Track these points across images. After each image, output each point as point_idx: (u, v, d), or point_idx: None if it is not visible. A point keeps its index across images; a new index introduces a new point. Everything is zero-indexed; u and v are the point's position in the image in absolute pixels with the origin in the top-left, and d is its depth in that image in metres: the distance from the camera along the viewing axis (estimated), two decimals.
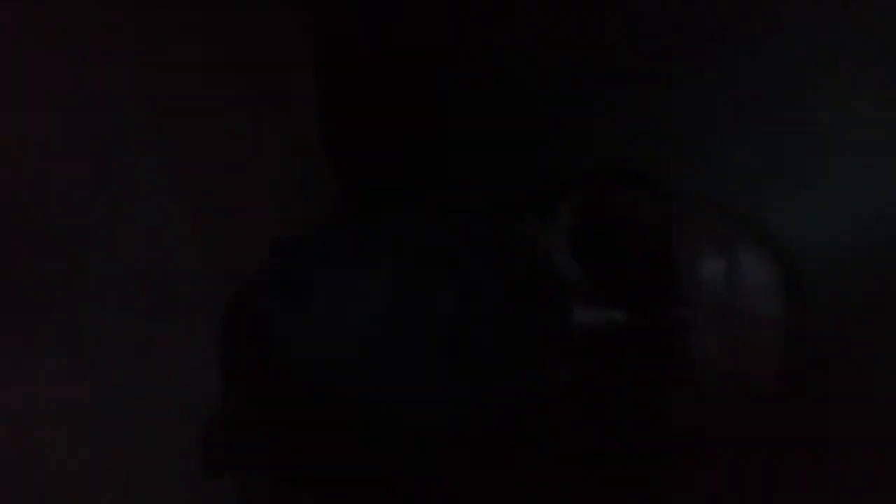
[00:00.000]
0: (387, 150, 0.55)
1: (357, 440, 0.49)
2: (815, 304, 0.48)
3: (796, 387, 0.46)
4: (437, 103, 0.56)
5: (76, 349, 0.45)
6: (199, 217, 0.50)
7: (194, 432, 0.47)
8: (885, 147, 0.57)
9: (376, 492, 0.50)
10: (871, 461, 0.55)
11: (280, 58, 0.54)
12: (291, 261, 0.48)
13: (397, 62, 0.55)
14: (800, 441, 0.54)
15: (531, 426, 0.43)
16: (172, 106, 0.49)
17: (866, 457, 0.55)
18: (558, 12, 0.56)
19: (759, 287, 0.44)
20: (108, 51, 0.47)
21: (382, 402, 0.46)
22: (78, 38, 0.46)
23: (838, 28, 0.57)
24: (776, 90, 0.57)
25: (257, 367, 0.48)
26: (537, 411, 0.42)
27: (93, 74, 0.46)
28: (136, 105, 0.48)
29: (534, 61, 0.56)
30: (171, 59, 0.50)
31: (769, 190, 0.58)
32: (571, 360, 0.42)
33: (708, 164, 0.57)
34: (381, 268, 0.43)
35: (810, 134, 0.58)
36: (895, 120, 0.57)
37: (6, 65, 0.44)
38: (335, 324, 0.44)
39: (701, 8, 0.56)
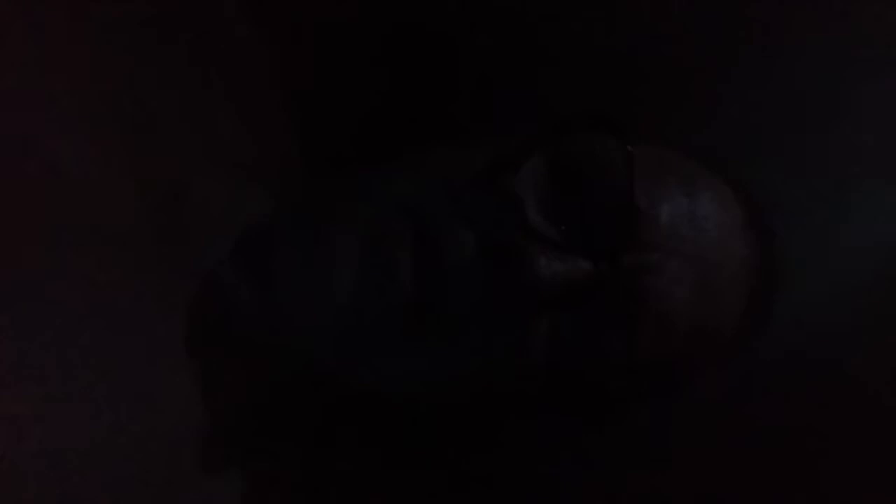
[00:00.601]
0: (354, 122, 0.55)
1: (341, 415, 0.50)
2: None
3: (763, 326, 0.46)
4: (407, 68, 0.54)
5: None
6: (151, 200, 0.49)
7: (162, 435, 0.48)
8: None
9: (362, 463, 0.51)
10: (840, 408, 0.54)
11: (238, 29, 0.52)
12: (257, 248, 0.49)
13: (363, 34, 0.55)
14: (764, 382, 0.53)
15: (506, 383, 0.43)
16: (120, 82, 0.48)
17: (835, 401, 0.54)
18: None
19: (723, 228, 0.44)
20: (49, 28, 0.46)
21: (361, 375, 0.46)
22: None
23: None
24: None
25: (231, 355, 0.50)
26: (513, 367, 0.42)
27: (32, 54, 0.45)
28: (78, 83, 0.47)
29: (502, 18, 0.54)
30: (117, 32, 0.48)
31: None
32: (544, 312, 0.41)
33: None
34: (348, 236, 0.43)
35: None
36: None
37: None
38: (307, 303, 0.45)
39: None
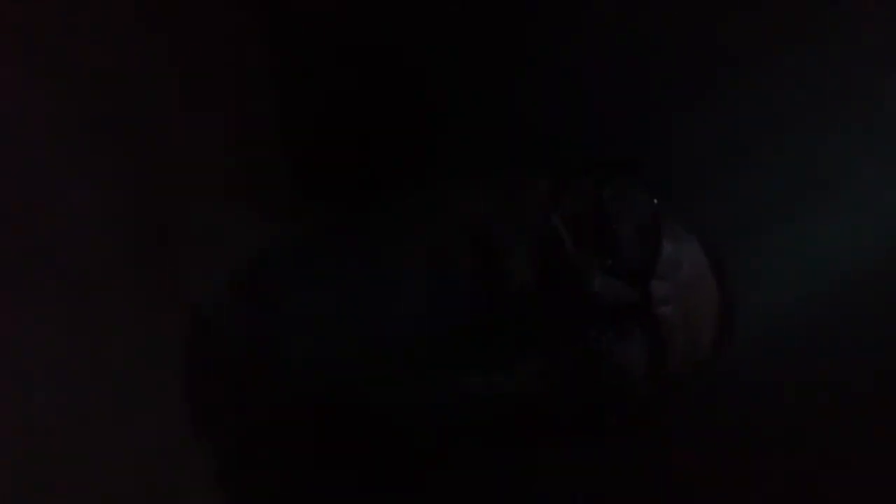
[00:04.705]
0: (356, 148, 0.55)
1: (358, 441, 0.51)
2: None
3: (724, 353, 0.53)
4: (425, 95, 0.56)
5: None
6: (141, 221, 0.49)
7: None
8: None
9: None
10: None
11: (231, 48, 0.52)
12: (276, 272, 0.49)
13: (373, 54, 0.56)
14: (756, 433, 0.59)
15: (546, 400, 0.47)
16: (112, 100, 0.47)
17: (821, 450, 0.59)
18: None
19: (699, 267, 0.51)
20: (41, 41, 0.45)
21: (393, 396, 0.47)
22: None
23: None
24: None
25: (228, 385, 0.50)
26: (555, 381, 0.46)
27: (26, 68, 0.44)
28: (72, 100, 0.46)
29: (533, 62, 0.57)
30: (112, 49, 0.48)
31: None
32: (593, 331, 0.46)
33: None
34: (405, 255, 0.45)
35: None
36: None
37: None
38: (349, 326, 0.46)
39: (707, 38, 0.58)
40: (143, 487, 0.47)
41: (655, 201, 0.48)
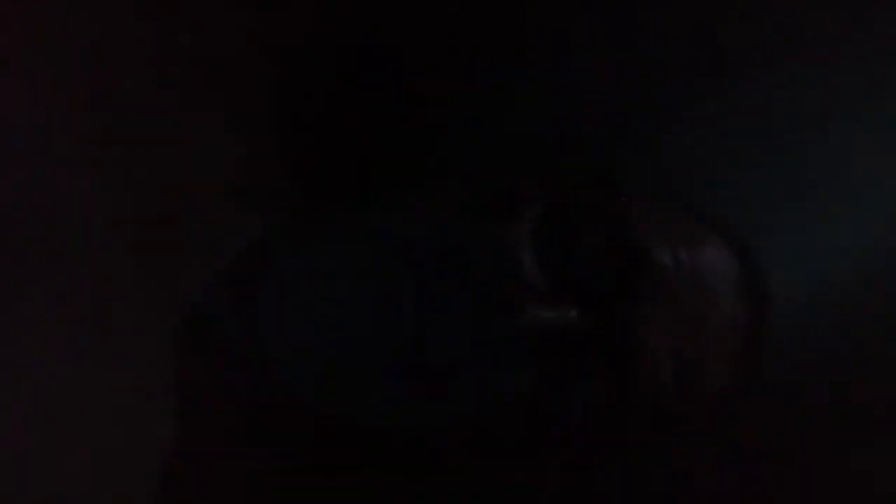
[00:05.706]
0: (347, 149, 0.55)
1: (318, 446, 0.50)
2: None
3: (752, 384, 0.47)
4: (404, 101, 0.55)
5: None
6: (141, 220, 0.49)
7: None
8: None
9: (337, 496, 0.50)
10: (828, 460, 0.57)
11: (231, 48, 0.52)
12: (246, 276, 0.48)
13: (363, 60, 0.55)
14: (757, 439, 0.56)
15: (492, 430, 0.44)
16: (111, 99, 0.48)
17: (823, 454, 0.57)
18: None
19: (716, 284, 0.44)
20: (41, 41, 0.45)
21: (344, 408, 0.46)
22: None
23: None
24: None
25: (217, 383, 0.49)
26: (498, 415, 0.42)
27: (25, 69, 0.44)
28: (72, 100, 0.46)
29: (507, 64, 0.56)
30: (112, 49, 0.48)
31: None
32: (530, 362, 0.41)
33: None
34: (341, 270, 0.44)
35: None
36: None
37: None
38: (293, 334, 0.45)
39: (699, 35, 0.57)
40: (142, 486, 0.47)
41: (624, 203, 0.43)
